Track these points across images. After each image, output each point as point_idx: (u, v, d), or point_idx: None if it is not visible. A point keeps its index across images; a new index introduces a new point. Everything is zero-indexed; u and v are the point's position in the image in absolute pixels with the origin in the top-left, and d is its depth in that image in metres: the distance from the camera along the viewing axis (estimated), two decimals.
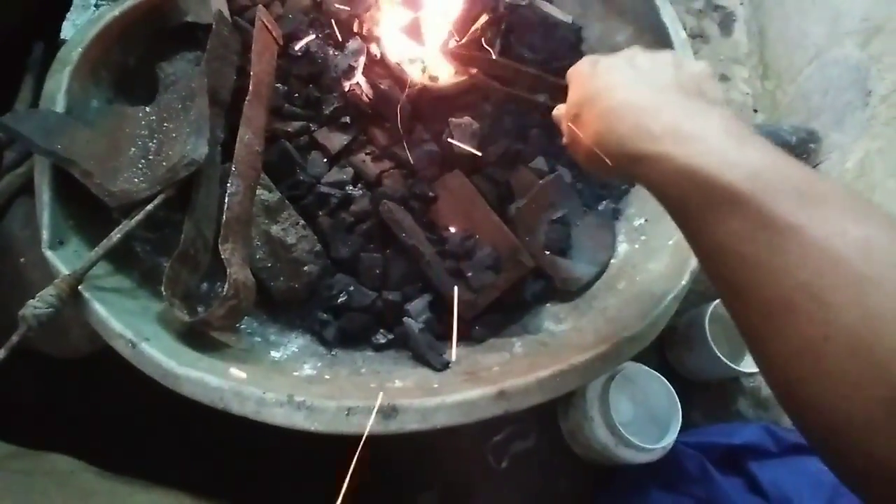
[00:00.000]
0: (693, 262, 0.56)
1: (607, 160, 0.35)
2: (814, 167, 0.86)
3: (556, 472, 0.66)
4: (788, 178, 0.27)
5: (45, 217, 0.49)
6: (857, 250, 0.24)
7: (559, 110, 0.46)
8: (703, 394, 0.74)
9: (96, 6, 0.79)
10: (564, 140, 0.43)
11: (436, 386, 0.51)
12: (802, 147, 0.85)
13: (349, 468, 0.38)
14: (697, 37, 1.12)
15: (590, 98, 0.37)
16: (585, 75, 0.39)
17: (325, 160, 0.69)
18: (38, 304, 0.42)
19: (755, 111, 1.02)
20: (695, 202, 0.29)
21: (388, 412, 0.43)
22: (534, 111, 0.74)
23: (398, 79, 0.69)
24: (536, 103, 0.50)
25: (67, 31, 0.77)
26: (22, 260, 0.55)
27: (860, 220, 0.25)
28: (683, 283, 0.55)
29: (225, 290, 0.48)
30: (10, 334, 0.45)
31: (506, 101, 0.51)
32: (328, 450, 0.43)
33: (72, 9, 0.79)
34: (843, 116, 0.84)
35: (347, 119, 0.71)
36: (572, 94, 0.40)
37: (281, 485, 0.65)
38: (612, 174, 0.38)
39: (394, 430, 0.43)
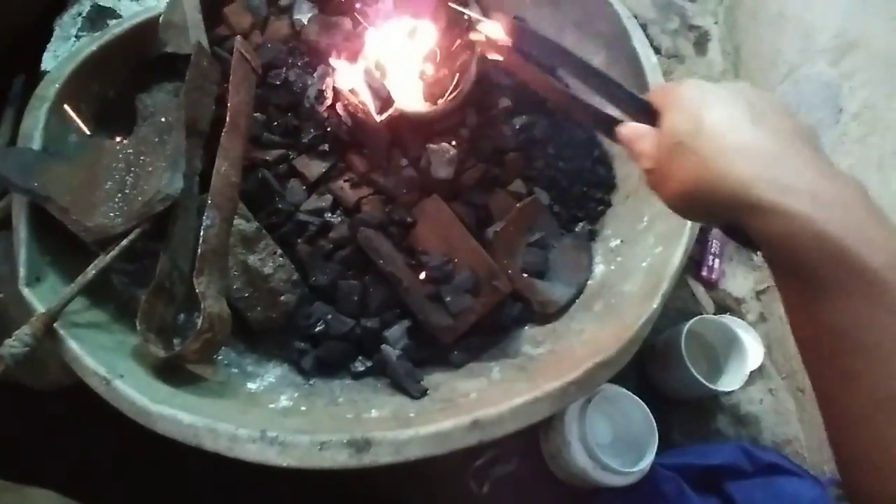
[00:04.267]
0: (664, 286, 0.58)
1: (709, 201, 0.32)
2: None
3: (538, 496, 0.66)
4: None
5: (22, 254, 0.49)
6: None
7: (635, 130, 0.39)
8: (683, 412, 0.74)
9: (77, 37, 0.80)
10: (645, 166, 0.38)
11: (412, 415, 0.51)
12: None
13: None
14: (673, 56, 1.15)
15: (701, 130, 0.32)
16: (695, 103, 0.34)
17: (304, 188, 0.70)
18: (13, 344, 0.43)
19: None
20: (823, 273, 0.27)
21: (361, 445, 0.43)
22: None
23: (377, 104, 0.70)
24: (602, 115, 0.42)
25: (48, 62, 0.78)
26: (1, 296, 0.55)
27: None
28: (655, 306, 0.55)
29: (199, 323, 0.49)
30: None
31: (565, 105, 0.43)
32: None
33: (52, 40, 0.80)
34: (817, 131, 0.86)
35: (326, 147, 0.72)
36: (675, 121, 0.35)
37: None
38: (704, 216, 0.35)
39: (367, 463, 0.43)
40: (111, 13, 0.82)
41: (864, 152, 0.76)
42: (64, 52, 0.77)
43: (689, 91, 0.36)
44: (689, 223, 0.63)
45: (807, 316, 0.29)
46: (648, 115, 0.38)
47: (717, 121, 0.32)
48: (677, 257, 0.60)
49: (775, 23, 1.04)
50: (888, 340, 0.25)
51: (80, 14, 0.82)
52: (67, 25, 0.81)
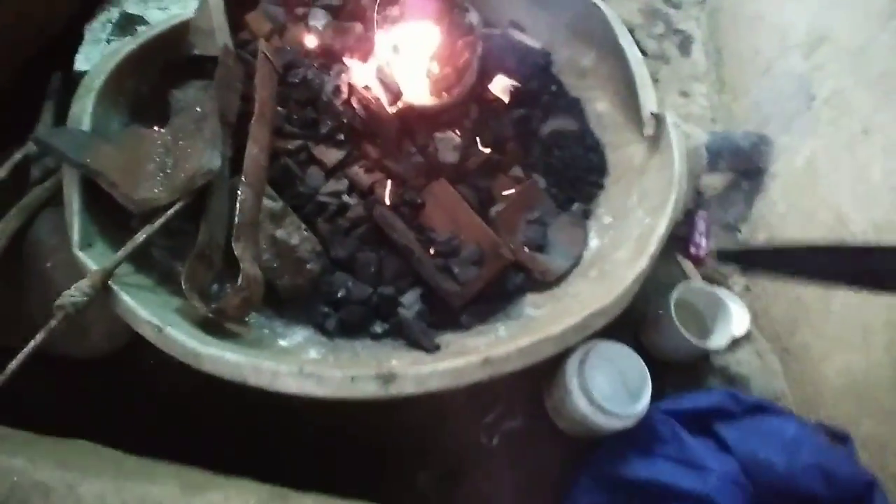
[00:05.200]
0: (652, 248, 0.64)
1: None
2: (766, 168, 0.94)
3: (544, 447, 0.71)
4: None
5: (76, 222, 0.55)
6: None
7: None
8: (676, 374, 0.80)
9: (108, 41, 0.87)
10: None
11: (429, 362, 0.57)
12: (755, 150, 0.94)
13: None
14: (659, 58, 1.23)
15: None
16: None
17: (323, 173, 0.76)
18: (73, 294, 0.48)
19: (713, 121, 1.12)
20: None
21: (387, 378, 0.49)
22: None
23: (388, 97, 0.77)
24: None
25: (80, 63, 0.85)
26: (48, 264, 0.60)
27: None
28: (644, 264, 0.62)
29: (239, 282, 0.55)
30: (37, 329, 0.50)
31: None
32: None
33: (83, 43, 0.87)
34: (790, 121, 0.93)
35: (342, 136, 0.78)
36: None
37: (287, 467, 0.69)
38: None
39: (393, 393, 0.49)
40: (139, 20, 0.89)
41: (834, 133, 0.83)
42: (95, 54, 0.84)
43: None
44: (672, 196, 0.70)
45: None
46: None
47: None
48: (663, 224, 0.67)
49: (753, 24, 1.12)
50: None
51: (109, 20, 0.89)
52: (97, 30, 0.88)
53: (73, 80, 0.82)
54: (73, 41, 0.87)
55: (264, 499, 0.41)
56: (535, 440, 0.72)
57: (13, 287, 0.62)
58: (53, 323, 0.48)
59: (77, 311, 0.48)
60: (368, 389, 0.48)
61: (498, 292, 0.72)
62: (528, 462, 0.71)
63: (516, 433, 0.72)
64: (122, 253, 0.53)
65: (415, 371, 0.50)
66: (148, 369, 0.65)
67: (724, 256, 0.52)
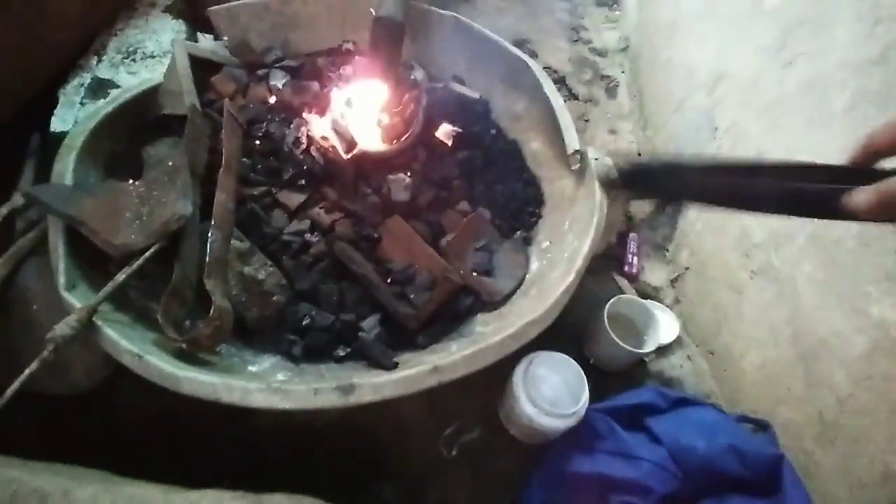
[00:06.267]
0: (578, 264, 0.73)
1: None
2: None
3: (499, 455, 0.77)
4: None
5: (61, 266, 0.61)
6: None
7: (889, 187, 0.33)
8: (616, 381, 0.88)
9: (81, 104, 0.95)
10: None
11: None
12: None
13: None
14: (589, 101, 1.38)
15: None
16: None
17: (286, 215, 0.84)
18: (63, 328, 0.54)
19: (639, 154, 1.25)
20: None
21: (347, 389, 0.55)
22: None
23: (344, 146, 0.86)
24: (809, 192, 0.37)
25: (56, 124, 0.91)
26: (35, 307, 0.65)
27: None
28: (571, 278, 0.71)
29: (211, 313, 0.61)
30: (22, 369, 0.55)
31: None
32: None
33: (59, 106, 0.94)
34: (700, 148, 1.06)
35: (303, 182, 0.87)
36: None
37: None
38: None
39: (353, 402, 0.55)
40: (110, 84, 0.97)
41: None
42: (69, 116, 0.91)
43: None
44: (595, 219, 0.80)
45: None
46: (848, 175, 0.36)
47: None
48: (587, 244, 0.77)
49: (666, 67, 1.28)
50: None
51: (82, 84, 0.96)
52: (71, 94, 0.95)
53: (49, 141, 0.89)
54: (46, 104, 0.93)
55: (238, 496, 0.46)
56: (491, 449, 0.78)
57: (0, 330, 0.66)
58: (45, 353, 0.53)
59: (66, 343, 0.54)
60: (330, 399, 0.55)
61: (451, 313, 0.80)
62: (486, 469, 0.77)
63: (474, 444, 0.78)
64: (105, 291, 0.59)
65: (371, 381, 0.57)
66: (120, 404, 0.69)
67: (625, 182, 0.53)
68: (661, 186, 0.51)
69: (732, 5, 1.06)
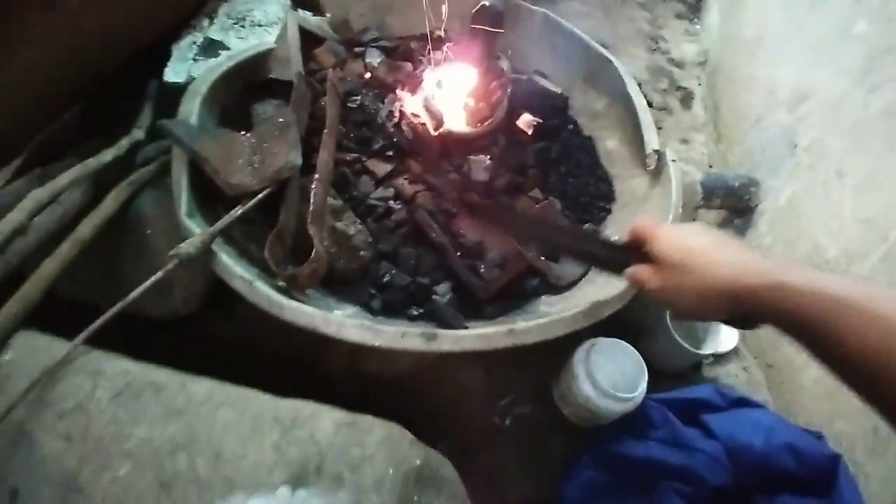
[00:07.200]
0: None
1: (713, 298, 0.47)
2: (755, 206, 1.07)
3: (549, 433, 0.80)
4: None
5: (183, 195, 0.68)
6: None
7: (638, 270, 0.56)
8: (671, 382, 0.89)
9: (194, 59, 1.03)
10: (652, 287, 0.54)
11: None
12: (745, 190, 1.07)
13: None
14: (663, 110, 1.39)
15: (692, 253, 0.49)
16: (676, 237, 0.52)
17: (373, 182, 0.90)
18: (187, 246, 0.60)
19: (710, 166, 1.26)
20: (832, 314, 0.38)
21: (430, 336, 0.60)
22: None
23: (433, 123, 0.91)
24: (611, 259, 0.61)
25: (169, 75, 0.99)
26: (148, 231, 0.72)
27: None
28: None
29: (312, 256, 0.67)
30: (129, 290, 0.61)
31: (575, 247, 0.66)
32: None
33: (172, 60, 1.03)
34: (776, 166, 1.07)
35: (391, 153, 0.92)
36: (669, 250, 0.52)
37: None
38: (712, 311, 0.49)
39: (434, 349, 0.60)
40: (220, 45, 1.05)
41: (812, 175, 0.96)
42: (182, 69, 0.99)
43: (668, 230, 0.54)
44: (669, 219, 0.82)
45: (838, 350, 0.39)
46: (628, 251, 0.59)
47: (699, 245, 0.50)
48: None
49: (747, 83, 1.28)
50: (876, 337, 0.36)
51: (194, 42, 1.04)
52: (184, 49, 1.03)
53: (162, 89, 0.97)
54: (164, 57, 1.02)
55: (335, 409, 0.51)
56: (542, 426, 0.81)
57: (112, 252, 0.74)
58: (169, 266, 0.59)
59: (189, 261, 0.60)
60: (415, 343, 0.59)
61: (518, 291, 0.84)
62: (536, 444, 0.80)
63: (525, 418, 0.81)
64: (225, 220, 0.65)
65: (452, 333, 0.61)
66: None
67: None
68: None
69: (820, 27, 1.06)
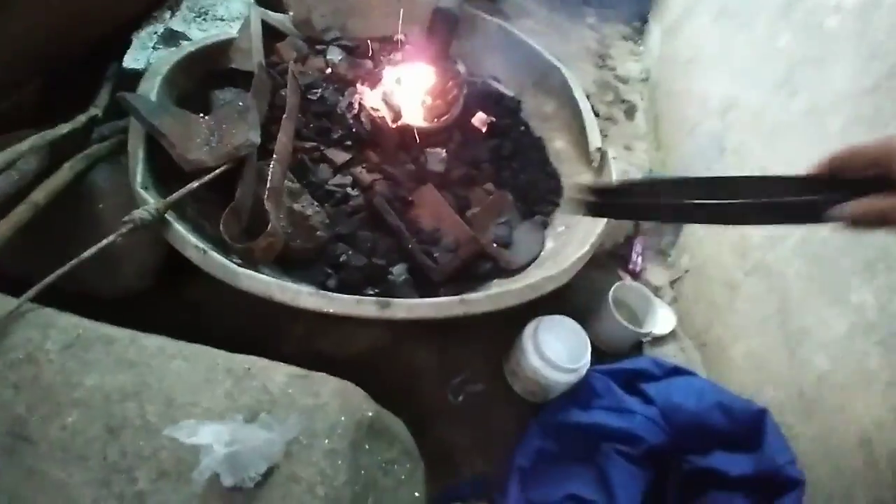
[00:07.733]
0: (592, 239, 0.81)
1: None
2: None
3: (500, 409, 0.83)
4: None
5: (139, 168, 0.68)
6: None
7: (874, 204, 0.39)
8: (615, 361, 0.95)
9: (154, 48, 1.03)
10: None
11: None
12: None
13: None
14: (608, 119, 1.49)
15: None
16: None
17: (332, 170, 0.92)
18: (142, 212, 0.61)
19: (650, 170, 1.35)
20: None
21: (384, 304, 0.62)
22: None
23: (391, 115, 0.95)
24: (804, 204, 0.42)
25: (128, 61, 0.99)
26: (100, 206, 0.72)
27: None
28: (585, 249, 0.79)
29: (268, 230, 0.68)
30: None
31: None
32: None
33: (131, 48, 1.03)
34: (708, 167, 1.16)
35: (349, 143, 0.95)
36: None
37: None
38: None
39: (387, 316, 0.62)
40: (182, 35, 1.06)
41: (739, 173, 1.05)
42: (142, 57, 0.99)
43: None
44: None
45: None
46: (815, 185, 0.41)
47: None
48: (601, 226, 0.85)
49: (683, 96, 1.39)
50: None
51: (155, 32, 1.05)
52: (144, 38, 1.03)
53: (121, 74, 0.97)
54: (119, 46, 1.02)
55: (289, 366, 0.53)
56: (494, 403, 0.84)
57: (63, 228, 0.73)
58: (123, 230, 0.59)
59: (142, 226, 0.60)
60: (369, 310, 0.62)
61: (470, 275, 0.88)
62: (487, 420, 0.83)
63: (479, 396, 0.84)
64: (181, 191, 0.66)
65: (406, 302, 0.64)
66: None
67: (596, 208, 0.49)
68: (640, 207, 0.51)
69: (747, 44, 1.18)
